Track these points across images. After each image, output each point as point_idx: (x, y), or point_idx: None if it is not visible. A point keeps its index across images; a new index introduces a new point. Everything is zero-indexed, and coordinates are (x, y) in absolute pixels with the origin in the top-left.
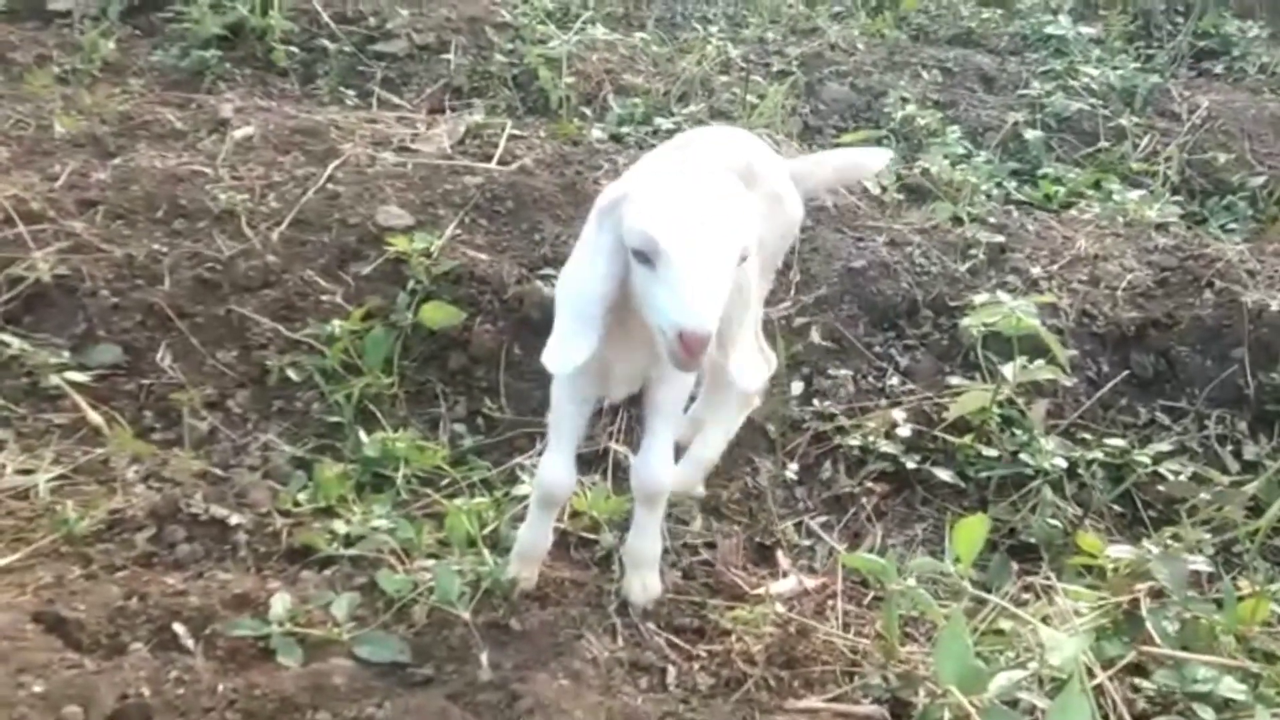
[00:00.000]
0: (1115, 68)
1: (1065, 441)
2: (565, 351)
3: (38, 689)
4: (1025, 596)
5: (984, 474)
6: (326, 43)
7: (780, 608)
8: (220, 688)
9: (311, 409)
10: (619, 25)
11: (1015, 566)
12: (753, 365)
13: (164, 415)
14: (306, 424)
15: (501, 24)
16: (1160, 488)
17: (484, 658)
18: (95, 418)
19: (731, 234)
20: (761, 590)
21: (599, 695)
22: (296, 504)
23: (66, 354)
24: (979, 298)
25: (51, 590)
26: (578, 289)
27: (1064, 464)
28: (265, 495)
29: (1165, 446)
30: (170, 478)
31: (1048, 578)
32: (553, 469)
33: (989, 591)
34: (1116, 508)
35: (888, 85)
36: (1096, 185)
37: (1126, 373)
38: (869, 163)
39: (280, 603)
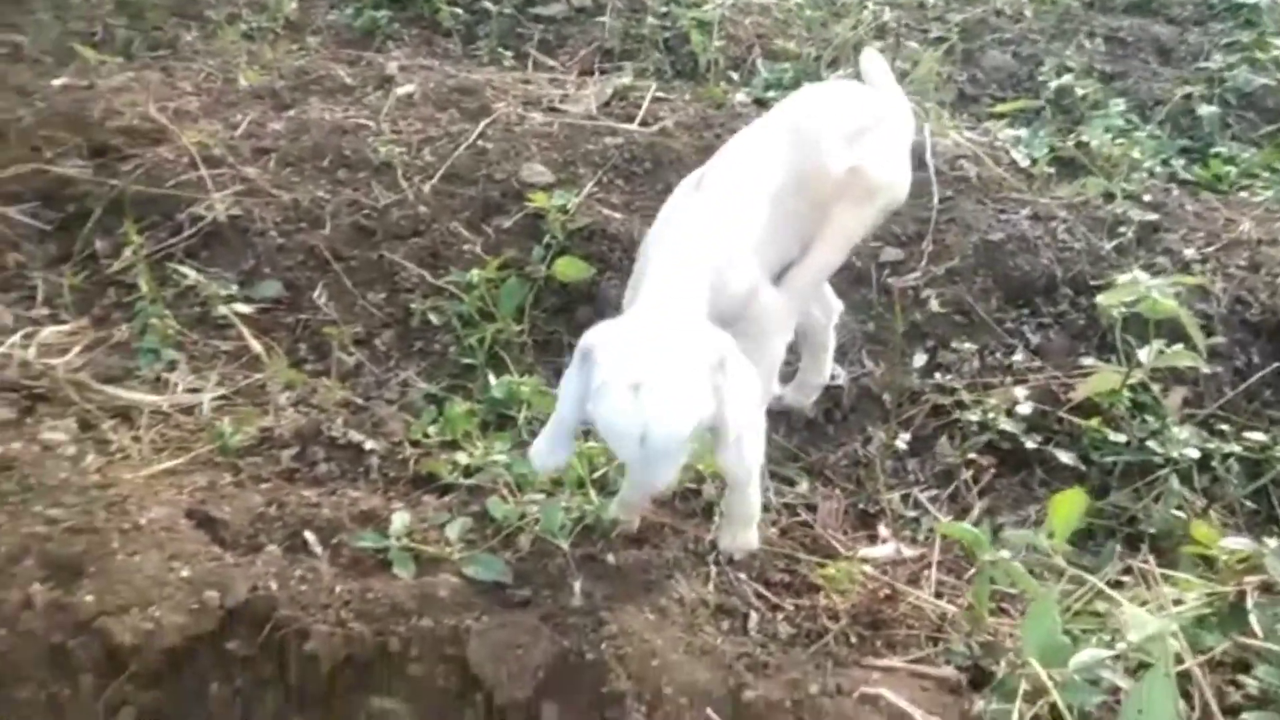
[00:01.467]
0: None
1: (1201, 431)
2: (546, 456)
3: (185, 574)
4: (1125, 580)
5: (1108, 459)
6: (489, 5)
7: (870, 569)
8: (339, 589)
9: (448, 351)
10: None
11: (1119, 550)
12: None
13: (316, 348)
14: (442, 364)
15: None
16: None
17: (578, 586)
18: (256, 346)
19: (680, 434)
20: (854, 553)
21: (680, 631)
22: (426, 436)
23: (235, 287)
24: (1122, 277)
25: (204, 493)
26: (562, 407)
27: (1196, 454)
28: (399, 426)
29: None
30: (317, 404)
31: (1145, 560)
32: None
33: (1091, 573)
34: (1250, 504)
35: (1053, 54)
36: (1273, 168)
37: (1278, 364)
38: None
39: (400, 520)
